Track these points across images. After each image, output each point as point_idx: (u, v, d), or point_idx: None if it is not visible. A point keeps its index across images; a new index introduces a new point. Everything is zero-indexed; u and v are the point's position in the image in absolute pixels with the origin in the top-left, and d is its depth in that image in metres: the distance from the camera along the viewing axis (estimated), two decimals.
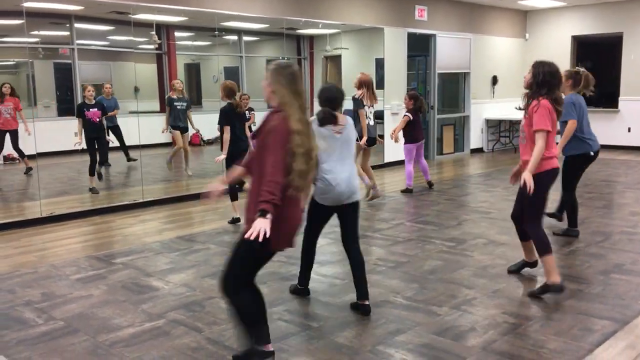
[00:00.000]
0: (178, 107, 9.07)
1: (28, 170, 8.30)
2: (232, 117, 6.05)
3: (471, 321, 3.73)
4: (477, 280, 4.51)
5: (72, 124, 9.96)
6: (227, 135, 5.98)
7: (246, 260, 2.99)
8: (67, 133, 9.76)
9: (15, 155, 8.04)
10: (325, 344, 3.44)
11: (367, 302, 3.88)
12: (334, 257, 5.23)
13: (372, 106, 7.19)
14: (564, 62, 12.97)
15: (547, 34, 13.23)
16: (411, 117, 7.94)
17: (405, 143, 8.14)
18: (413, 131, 8.04)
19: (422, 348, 3.37)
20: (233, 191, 6.29)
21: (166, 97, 9.29)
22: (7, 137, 8.24)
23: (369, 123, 7.11)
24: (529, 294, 4.15)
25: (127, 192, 8.26)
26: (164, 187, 8.70)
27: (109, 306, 4.11)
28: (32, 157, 8.81)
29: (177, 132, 8.96)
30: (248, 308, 3.04)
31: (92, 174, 7.78)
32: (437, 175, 9.88)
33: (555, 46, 13.05)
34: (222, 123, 6.04)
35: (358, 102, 7.02)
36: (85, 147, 7.96)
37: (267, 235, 2.67)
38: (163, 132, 9.17)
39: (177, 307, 4.08)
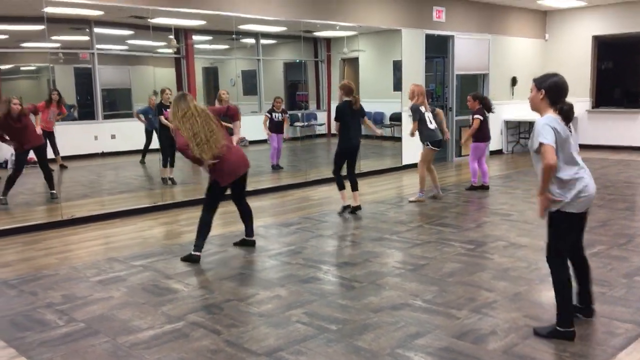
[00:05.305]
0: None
1: (62, 167, 8.96)
2: (346, 113, 6.68)
3: (492, 324, 3.69)
4: (498, 283, 4.46)
5: (92, 128, 10.12)
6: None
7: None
8: (87, 137, 9.90)
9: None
10: (344, 347, 3.42)
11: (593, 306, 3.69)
12: (353, 260, 5.21)
13: (427, 111, 7.58)
14: (584, 62, 12.82)
15: (568, 34, 13.08)
16: (482, 118, 8.10)
17: (474, 141, 8.24)
18: (484, 130, 8.19)
19: (441, 351, 3.34)
20: (341, 180, 6.98)
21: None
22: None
23: (433, 128, 7.54)
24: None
25: (146, 195, 8.32)
26: (182, 190, 8.76)
27: (129, 308, 4.13)
28: (52, 160, 8.97)
29: None
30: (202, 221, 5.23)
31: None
32: (455, 177, 9.81)
33: (576, 46, 12.90)
34: (335, 119, 6.81)
35: (416, 110, 7.50)
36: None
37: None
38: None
39: (196, 309, 4.09)
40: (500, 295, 4.21)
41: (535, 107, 3.48)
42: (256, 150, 10.24)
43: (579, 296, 3.66)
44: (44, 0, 6.60)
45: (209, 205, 5.27)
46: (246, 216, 5.62)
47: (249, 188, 8.42)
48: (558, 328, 3.44)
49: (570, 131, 3.40)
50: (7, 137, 7.36)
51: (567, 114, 3.34)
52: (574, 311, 3.60)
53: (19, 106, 7.29)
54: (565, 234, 3.43)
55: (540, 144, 3.24)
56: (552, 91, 3.37)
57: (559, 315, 3.44)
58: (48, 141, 8.87)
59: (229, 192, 5.40)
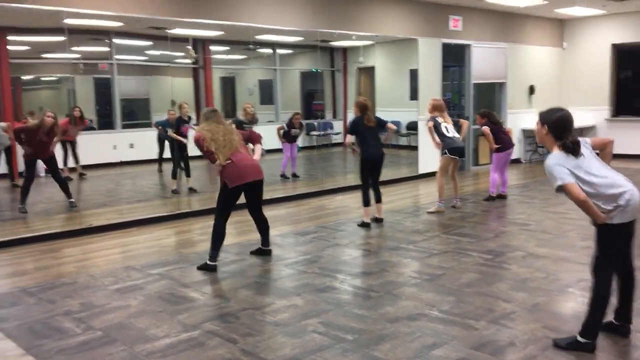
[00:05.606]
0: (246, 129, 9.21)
1: (81, 176, 9.21)
2: (360, 128, 6.69)
3: (510, 336, 3.65)
4: (516, 294, 4.41)
5: (111, 138, 10.24)
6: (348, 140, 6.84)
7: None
8: (106, 146, 10.02)
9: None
10: (360, 357, 3.40)
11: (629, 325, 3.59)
12: (370, 269, 5.19)
13: (446, 122, 7.57)
14: (603, 71, 12.70)
15: (586, 42, 12.97)
16: (489, 128, 8.09)
17: (495, 152, 8.22)
18: (500, 139, 8.16)
19: None
20: (367, 197, 6.86)
21: (234, 119, 9.32)
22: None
23: (451, 136, 7.48)
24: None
25: (163, 203, 8.38)
26: (200, 199, 8.80)
27: (146, 316, 4.15)
28: (71, 170, 9.10)
29: None
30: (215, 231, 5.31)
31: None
32: (472, 186, 9.75)
33: (595, 55, 12.78)
34: (349, 132, 6.87)
35: (431, 119, 7.59)
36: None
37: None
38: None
39: (213, 318, 4.10)
40: (518, 306, 4.16)
41: (541, 141, 3.50)
42: (272, 159, 10.27)
43: (617, 312, 3.57)
44: (64, 12, 6.71)
45: (221, 211, 5.29)
46: (263, 227, 5.65)
47: (265, 196, 8.50)
48: (579, 338, 3.37)
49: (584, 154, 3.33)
50: (24, 140, 7.41)
51: (571, 150, 3.28)
52: (611, 329, 3.54)
53: (53, 119, 7.38)
54: (611, 246, 3.35)
55: (561, 186, 3.20)
56: (555, 127, 3.35)
57: (585, 325, 3.37)
58: (70, 150, 9.04)
59: (243, 201, 5.41)
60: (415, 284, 4.72)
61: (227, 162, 5.12)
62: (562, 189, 3.21)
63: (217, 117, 5.35)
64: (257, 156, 5.50)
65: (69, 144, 9.07)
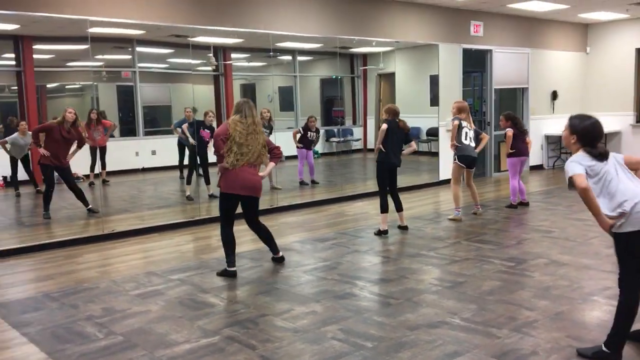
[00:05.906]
0: None
1: (104, 182, 9.24)
2: (392, 132, 6.61)
3: (533, 344, 3.59)
4: (539, 302, 4.34)
5: (134, 144, 10.36)
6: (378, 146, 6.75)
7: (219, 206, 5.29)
8: (129, 153, 10.13)
9: (80, 174, 8.42)
10: None
11: None
12: (389, 276, 5.15)
13: (468, 127, 7.41)
14: (628, 76, 12.50)
15: (610, 47, 12.78)
16: (512, 131, 7.99)
17: (508, 157, 8.12)
18: (515, 145, 8.04)
19: None
20: (385, 203, 6.74)
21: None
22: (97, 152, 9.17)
23: (467, 143, 7.36)
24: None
25: (184, 209, 8.44)
26: (217, 205, 8.84)
27: (167, 322, 4.17)
28: (96, 176, 9.21)
29: None
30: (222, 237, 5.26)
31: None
32: (494, 193, 9.65)
33: (619, 60, 12.58)
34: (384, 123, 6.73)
35: (455, 118, 7.43)
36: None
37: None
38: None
39: (232, 324, 4.10)
40: (541, 314, 4.09)
41: (567, 146, 3.46)
42: (291, 165, 10.29)
43: None
44: (88, 21, 6.82)
45: (223, 220, 5.26)
46: (263, 237, 5.54)
47: (284, 203, 8.53)
48: (604, 348, 3.30)
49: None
50: (42, 142, 7.43)
51: (595, 155, 3.22)
52: (636, 338, 3.46)
53: (74, 115, 7.45)
54: (627, 255, 3.26)
55: (570, 178, 3.18)
56: (583, 136, 3.32)
57: (611, 336, 3.30)
58: (98, 155, 9.15)
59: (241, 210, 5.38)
60: (435, 291, 4.68)
61: (232, 167, 5.05)
62: (570, 181, 3.18)
63: (249, 110, 5.08)
64: (265, 173, 5.31)
65: (99, 150, 9.17)
